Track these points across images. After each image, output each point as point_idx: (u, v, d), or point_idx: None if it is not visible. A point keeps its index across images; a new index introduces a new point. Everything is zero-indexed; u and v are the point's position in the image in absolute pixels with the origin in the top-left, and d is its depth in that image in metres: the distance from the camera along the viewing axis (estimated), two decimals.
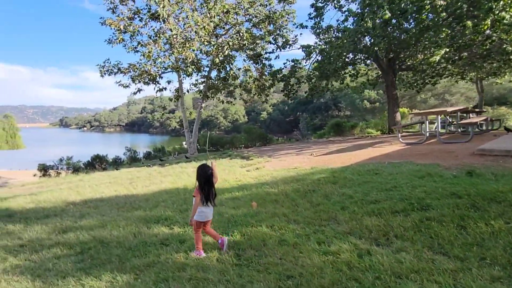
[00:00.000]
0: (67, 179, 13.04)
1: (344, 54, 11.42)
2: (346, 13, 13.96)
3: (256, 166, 9.11)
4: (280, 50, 16.36)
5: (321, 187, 5.46)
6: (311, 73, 15.86)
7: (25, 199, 8.83)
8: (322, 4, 14.15)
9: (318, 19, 14.69)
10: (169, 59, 13.66)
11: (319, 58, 14.64)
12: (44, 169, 23.83)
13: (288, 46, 16.12)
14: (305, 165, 8.05)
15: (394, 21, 9.98)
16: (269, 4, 17.32)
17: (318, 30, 14.82)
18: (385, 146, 9.43)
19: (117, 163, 20.27)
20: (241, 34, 14.86)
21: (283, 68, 16.75)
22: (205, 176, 3.52)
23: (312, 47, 14.12)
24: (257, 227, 4.19)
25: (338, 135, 20.66)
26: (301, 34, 18.63)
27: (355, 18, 12.39)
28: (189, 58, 14.18)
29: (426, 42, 9.84)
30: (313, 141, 17.58)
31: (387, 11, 9.25)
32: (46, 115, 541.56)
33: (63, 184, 11.77)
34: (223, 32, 17.54)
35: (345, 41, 11.11)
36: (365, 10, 10.39)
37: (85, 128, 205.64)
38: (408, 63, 15.42)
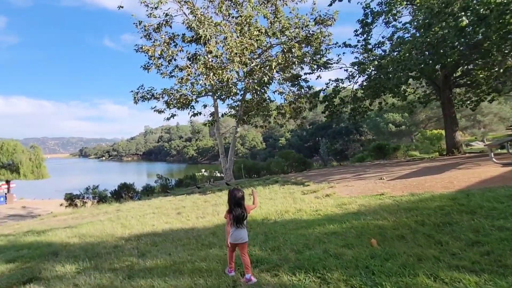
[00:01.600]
0: (102, 209, 12.13)
1: (411, 68, 10.43)
2: (402, 24, 13.02)
3: (324, 193, 7.94)
4: (321, 70, 15.58)
5: (454, 218, 4.25)
6: (358, 92, 14.87)
7: (65, 232, 7.89)
8: (371, 20, 13.45)
9: (366, 35, 13.95)
10: (210, 81, 13.04)
11: (369, 75, 13.70)
12: (70, 199, 23.22)
13: (329, 66, 15.32)
14: (391, 190, 6.84)
15: (468, 29, 8.98)
16: (305, 26, 16.76)
17: (367, 47, 14.01)
18: (475, 168, 8.13)
19: (148, 192, 19.36)
20: (293, 51, 14.13)
21: (324, 89, 15.87)
22: (235, 199, 3.53)
23: (366, 63, 13.21)
24: (411, 277, 3.02)
25: (380, 158, 19.32)
26: (344, 53, 16.97)
27: (409, 31, 11.54)
28: (231, 79, 13.53)
29: (506, 51, 8.81)
30: (358, 165, 16.27)
31: (464, 18, 8.31)
32: (66, 146, 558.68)
33: (99, 215, 10.85)
34: (255, 57, 17.00)
35: (408, 54, 10.14)
36: (432, 21, 9.48)
37: (103, 158, 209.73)
38: (462, 80, 14.28)
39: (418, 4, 10.03)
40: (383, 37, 14.37)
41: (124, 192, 23.28)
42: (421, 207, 4.94)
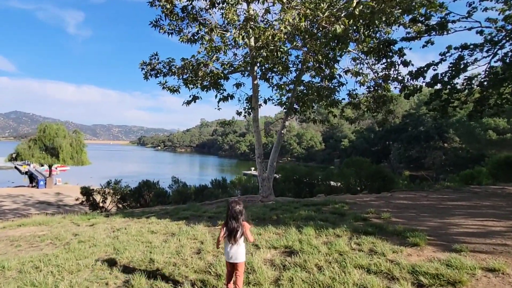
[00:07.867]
0: (64, 227, 7.53)
1: None
2: None
3: None
4: (431, 34, 9.47)
5: None
6: (497, 69, 8.64)
7: None
8: None
9: None
10: (245, 37, 7.85)
11: None
12: (87, 193, 20.48)
13: (449, 26, 9.06)
14: None
15: None
16: None
17: None
18: None
19: (159, 199, 14.82)
20: None
21: (436, 63, 9.67)
22: (232, 212, 3.40)
23: None
24: None
25: (507, 181, 12.50)
26: (480, 2, 9.63)
27: None
28: (279, 38, 8.21)
29: None
30: (481, 191, 9.78)
31: None
32: (128, 133, 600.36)
33: (43, 242, 6.28)
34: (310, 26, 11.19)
35: None
36: None
37: (158, 148, 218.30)
38: None
39: None
40: None
41: (146, 191, 19.69)
42: None
